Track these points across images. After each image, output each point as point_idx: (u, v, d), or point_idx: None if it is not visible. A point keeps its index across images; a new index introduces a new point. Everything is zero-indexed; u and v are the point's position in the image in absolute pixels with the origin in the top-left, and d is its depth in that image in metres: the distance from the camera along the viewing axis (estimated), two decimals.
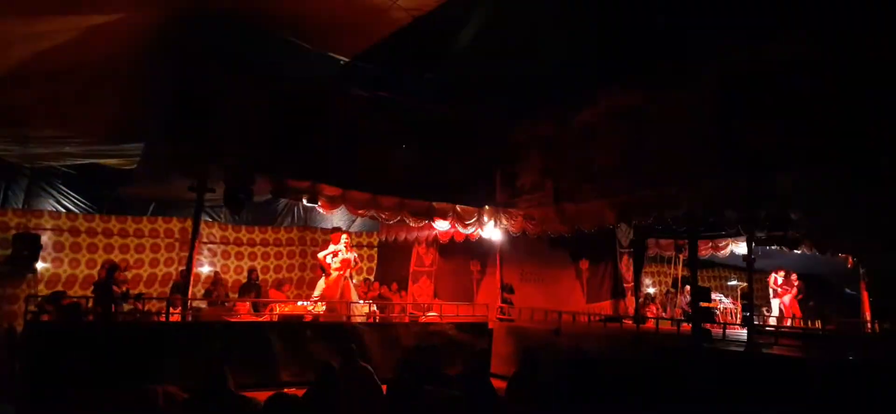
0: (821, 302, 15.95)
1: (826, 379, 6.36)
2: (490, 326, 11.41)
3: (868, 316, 13.51)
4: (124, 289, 9.65)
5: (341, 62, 10.21)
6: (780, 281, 14.64)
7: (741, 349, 7.60)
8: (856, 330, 13.09)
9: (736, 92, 7.59)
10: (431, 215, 11.23)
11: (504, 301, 11.94)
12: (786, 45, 7.14)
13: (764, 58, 7.31)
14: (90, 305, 9.04)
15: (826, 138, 6.64)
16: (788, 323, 13.64)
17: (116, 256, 11.90)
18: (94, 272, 11.21)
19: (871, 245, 11.44)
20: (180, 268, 11.80)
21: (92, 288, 9.98)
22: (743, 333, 9.18)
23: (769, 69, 7.26)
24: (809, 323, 13.71)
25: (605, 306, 12.78)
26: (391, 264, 14.70)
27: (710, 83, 7.98)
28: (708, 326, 8.78)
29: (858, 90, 6.40)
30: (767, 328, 11.04)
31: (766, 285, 14.95)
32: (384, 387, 6.70)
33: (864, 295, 13.82)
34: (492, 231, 12.07)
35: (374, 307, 11.26)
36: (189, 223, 11.39)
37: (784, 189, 7.14)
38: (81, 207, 12.24)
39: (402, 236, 13.83)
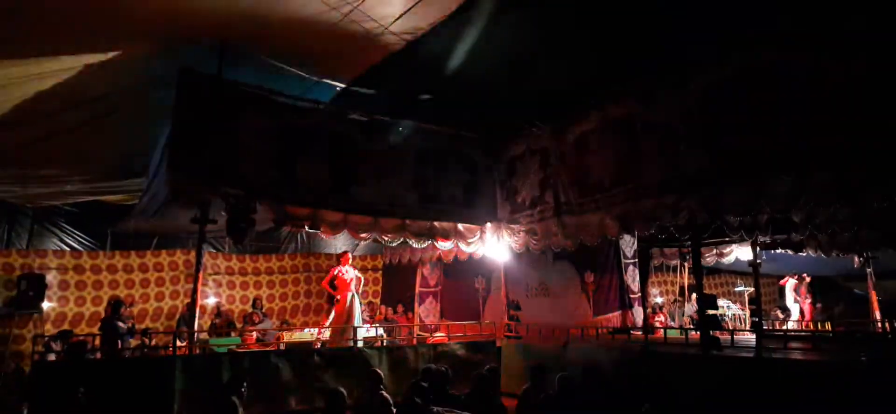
0: (829, 303, 15.88)
1: (839, 381, 6.32)
2: (498, 343, 11.36)
3: (878, 315, 13.42)
4: (130, 324, 9.66)
5: (338, 88, 10.29)
6: (798, 286, 14.62)
7: (750, 355, 7.54)
8: (866, 330, 13.00)
9: (729, 97, 7.61)
10: (433, 235, 11.22)
11: (511, 318, 11.90)
12: (776, 48, 7.18)
13: (756, 62, 7.34)
14: (97, 342, 9.05)
15: (824, 139, 6.64)
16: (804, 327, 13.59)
17: (122, 292, 11.93)
18: (101, 309, 11.25)
19: (877, 243, 11.43)
20: (186, 300, 11.81)
21: (98, 325, 9.99)
22: (752, 339, 9.12)
23: (762, 73, 7.28)
24: (819, 325, 13.63)
25: (613, 319, 12.70)
26: (396, 286, 14.70)
27: (703, 89, 8.00)
28: (716, 332, 8.72)
29: (853, 90, 6.42)
30: (776, 332, 10.95)
31: (777, 289, 14.89)
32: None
33: (873, 294, 13.73)
34: (495, 248, 12.04)
35: (381, 331, 11.22)
36: (193, 255, 11.41)
37: (785, 192, 7.11)
38: (85, 244, 12.30)
39: (406, 258, 13.84)
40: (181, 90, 8.53)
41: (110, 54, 7.91)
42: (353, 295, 10.77)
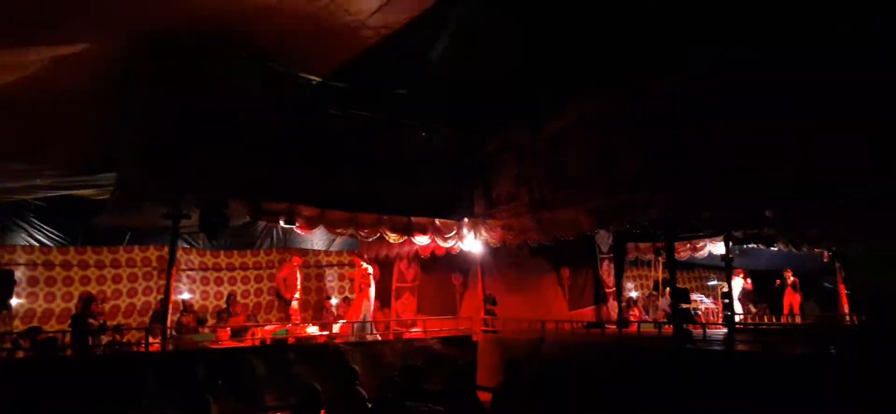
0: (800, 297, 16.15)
1: (807, 373, 6.45)
2: (474, 338, 11.39)
3: (846, 309, 13.69)
4: (101, 321, 9.51)
5: (314, 82, 10.22)
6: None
7: (722, 348, 7.66)
8: (835, 323, 13.26)
9: (701, 94, 7.71)
10: (410, 231, 11.21)
11: (487, 313, 11.94)
12: (746, 47, 7.29)
13: (727, 59, 7.44)
14: (67, 339, 8.90)
15: (793, 135, 6.77)
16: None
17: (93, 288, 11.73)
18: (71, 306, 11.04)
19: (844, 237, 11.65)
20: (159, 297, 11.65)
21: (69, 322, 9.82)
22: (723, 332, 9.25)
23: (732, 70, 7.39)
24: (790, 319, 13.86)
25: (588, 313, 12.83)
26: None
27: (677, 87, 8.09)
28: (689, 326, 8.84)
29: (819, 86, 6.53)
30: (748, 326, 11.13)
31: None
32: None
33: (842, 288, 14.00)
34: (472, 243, 12.08)
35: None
36: (166, 251, 11.26)
37: (756, 188, 7.23)
38: (55, 239, 12.05)
39: (383, 253, 13.79)
40: (154, 83, 8.41)
41: (80, 47, 7.76)
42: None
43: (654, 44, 8.32)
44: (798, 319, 13.89)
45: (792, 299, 14.47)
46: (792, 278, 14.57)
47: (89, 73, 8.36)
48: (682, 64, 8.04)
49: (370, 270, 12.14)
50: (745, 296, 14.53)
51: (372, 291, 11.96)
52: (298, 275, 12.12)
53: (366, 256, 12.67)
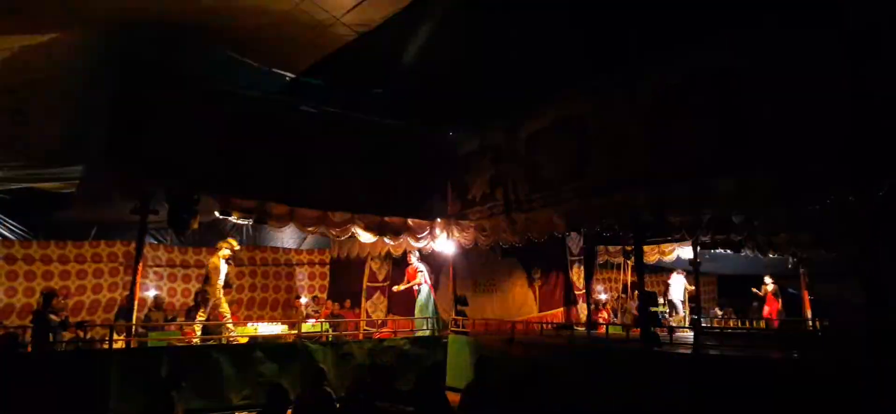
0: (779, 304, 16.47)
1: (770, 376, 6.57)
2: (444, 338, 11.39)
3: (809, 314, 14.00)
4: (64, 316, 9.29)
5: (288, 78, 10.12)
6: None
7: (689, 351, 7.77)
8: (798, 328, 13.54)
9: (674, 99, 7.81)
10: (383, 230, 11.17)
11: (458, 313, 11.95)
12: (716, 52, 7.40)
13: (698, 65, 7.55)
14: (28, 335, 8.70)
15: (760, 142, 6.89)
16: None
17: (57, 283, 11.49)
18: (33, 301, 10.79)
19: (806, 243, 11.94)
20: (125, 293, 11.44)
21: (30, 318, 9.58)
22: (691, 336, 9.39)
23: (703, 76, 7.50)
24: (754, 323, 14.13)
25: (558, 314, 12.92)
26: (344, 281, 14.56)
27: (649, 91, 8.19)
28: (657, 329, 8.94)
29: (788, 95, 6.66)
30: (714, 329, 11.31)
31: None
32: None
33: (805, 293, 14.32)
34: (445, 244, 12.08)
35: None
36: (133, 246, 11.04)
37: (725, 193, 7.34)
38: (17, 233, 11.77)
39: (355, 252, 13.74)
40: (123, 76, 8.26)
41: (47, 36, 7.58)
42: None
43: (630, 47, 8.40)
44: (776, 326, 14.15)
45: (772, 306, 14.73)
46: (772, 285, 14.83)
47: (58, 64, 8.17)
48: (655, 67, 8.13)
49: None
50: (689, 297, 14.68)
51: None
52: (224, 267, 10.45)
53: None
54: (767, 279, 14.90)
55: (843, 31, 6.29)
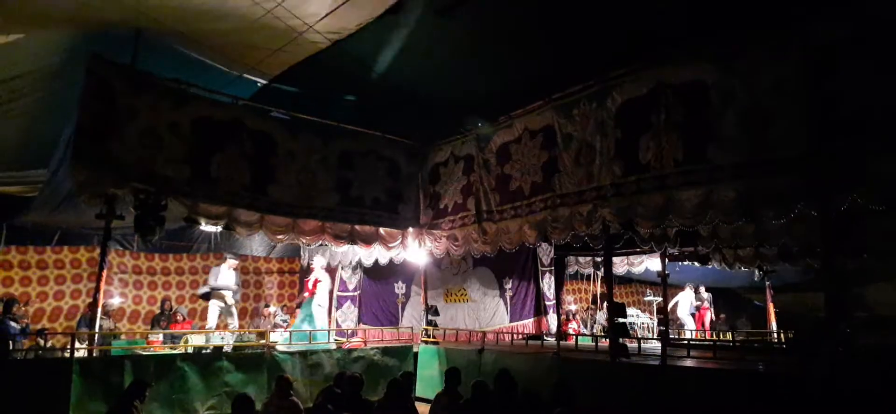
0: (731, 314, 16.77)
1: (736, 387, 6.66)
2: (415, 349, 11.36)
3: (774, 326, 14.28)
4: (24, 324, 9.07)
5: (259, 84, 10.04)
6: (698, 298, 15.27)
7: (656, 362, 7.84)
8: (764, 340, 13.79)
9: (641, 112, 7.92)
10: (354, 239, 11.09)
11: (429, 323, 11.93)
12: (682, 66, 7.53)
13: (665, 78, 7.67)
14: None
15: (724, 156, 7.01)
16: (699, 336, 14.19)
17: (17, 290, 11.21)
18: None
19: (770, 257, 12.18)
20: (88, 300, 11.20)
21: None
22: (658, 347, 9.50)
23: (669, 90, 7.62)
24: (721, 335, 14.35)
25: (528, 325, 12.97)
26: None
27: (616, 103, 8.29)
28: (625, 340, 9.02)
29: (752, 109, 6.80)
30: (681, 341, 11.44)
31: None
32: None
33: (770, 306, 14.61)
34: (416, 253, 12.04)
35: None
36: (97, 252, 10.82)
37: (690, 206, 7.44)
38: None
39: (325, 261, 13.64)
40: (90, 78, 8.08)
41: (12, 36, 7.42)
42: None
43: (598, 60, 8.52)
44: (709, 333, 14.42)
45: (703, 314, 15.11)
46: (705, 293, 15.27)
47: (22, 64, 8.01)
48: (622, 80, 8.24)
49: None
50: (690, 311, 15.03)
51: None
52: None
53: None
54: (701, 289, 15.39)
55: (806, 47, 6.46)
